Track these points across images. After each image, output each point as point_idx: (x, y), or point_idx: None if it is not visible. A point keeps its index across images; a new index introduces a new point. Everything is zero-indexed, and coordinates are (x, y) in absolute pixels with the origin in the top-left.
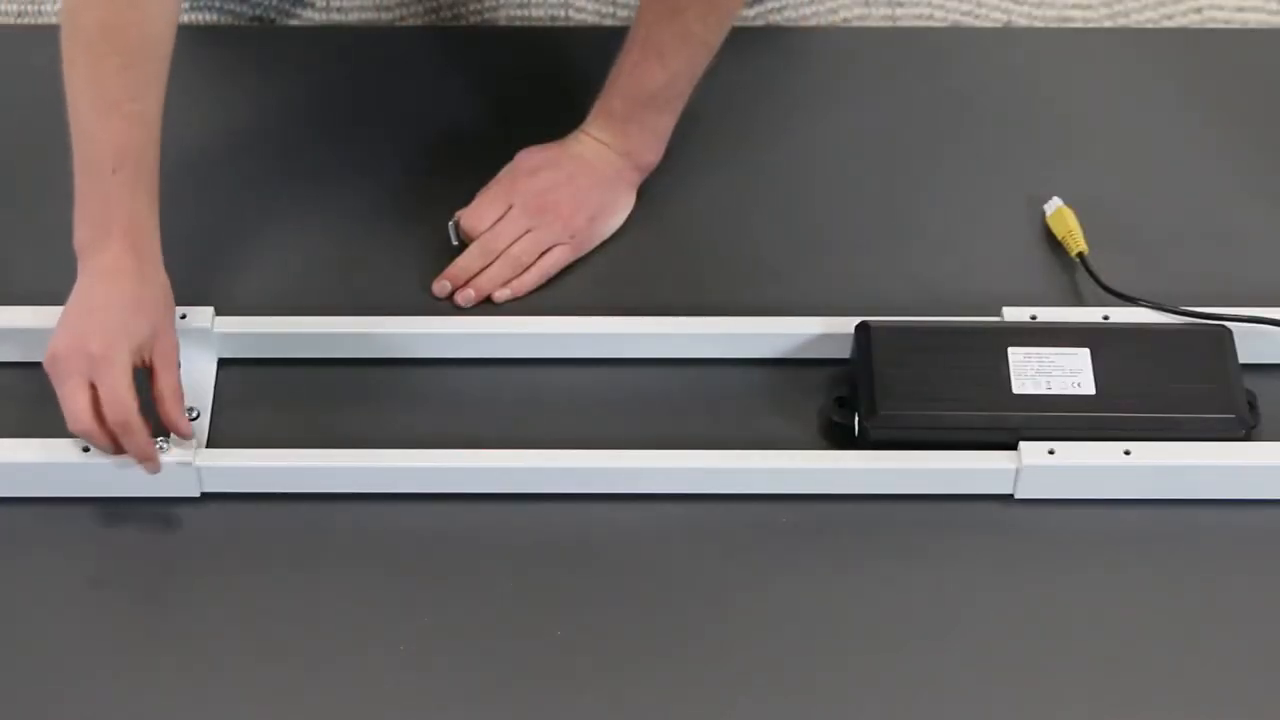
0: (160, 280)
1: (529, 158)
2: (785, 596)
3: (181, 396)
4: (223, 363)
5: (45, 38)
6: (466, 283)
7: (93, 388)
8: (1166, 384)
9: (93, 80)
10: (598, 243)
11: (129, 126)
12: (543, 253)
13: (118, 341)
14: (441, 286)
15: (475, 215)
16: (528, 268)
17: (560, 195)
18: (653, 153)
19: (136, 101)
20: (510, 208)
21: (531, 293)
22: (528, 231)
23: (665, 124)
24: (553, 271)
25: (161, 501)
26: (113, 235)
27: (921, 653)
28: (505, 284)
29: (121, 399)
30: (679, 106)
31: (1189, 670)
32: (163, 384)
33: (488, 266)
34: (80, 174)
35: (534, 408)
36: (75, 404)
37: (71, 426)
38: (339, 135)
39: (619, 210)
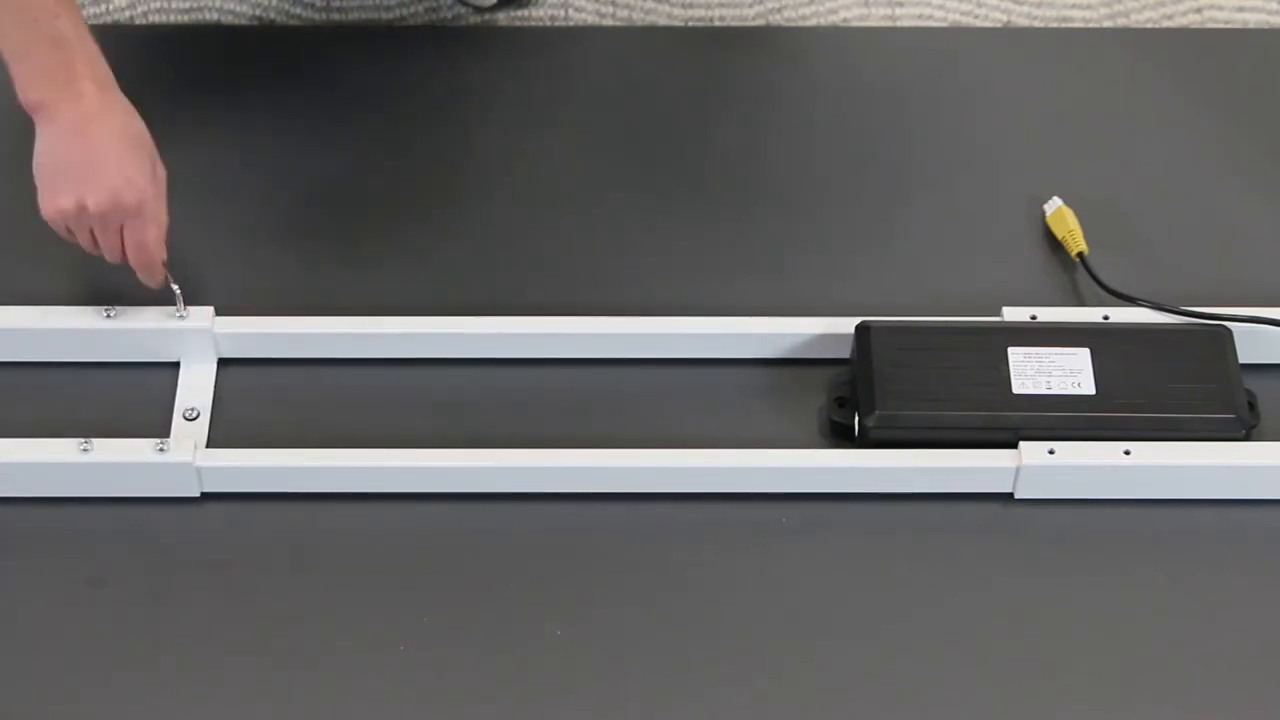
0: (132, 108)
1: None
2: (785, 596)
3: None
4: (223, 363)
5: None
6: None
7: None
8: (1166, 384)
9: None
10: None
11: None
12: None
13: (151, 178)
14: None
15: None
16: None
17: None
18: None
19: None
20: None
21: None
22: None
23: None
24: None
25: (161, 501)
26: (80, 79)
27: (921, 652)
28: None
29: (162, 237)
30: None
31: (1189, 670)
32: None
33: None
34: (15, 29)
35: (534, 408)
36: (114, 243)
37: (110, 258)
38: (338, 135)
39: None
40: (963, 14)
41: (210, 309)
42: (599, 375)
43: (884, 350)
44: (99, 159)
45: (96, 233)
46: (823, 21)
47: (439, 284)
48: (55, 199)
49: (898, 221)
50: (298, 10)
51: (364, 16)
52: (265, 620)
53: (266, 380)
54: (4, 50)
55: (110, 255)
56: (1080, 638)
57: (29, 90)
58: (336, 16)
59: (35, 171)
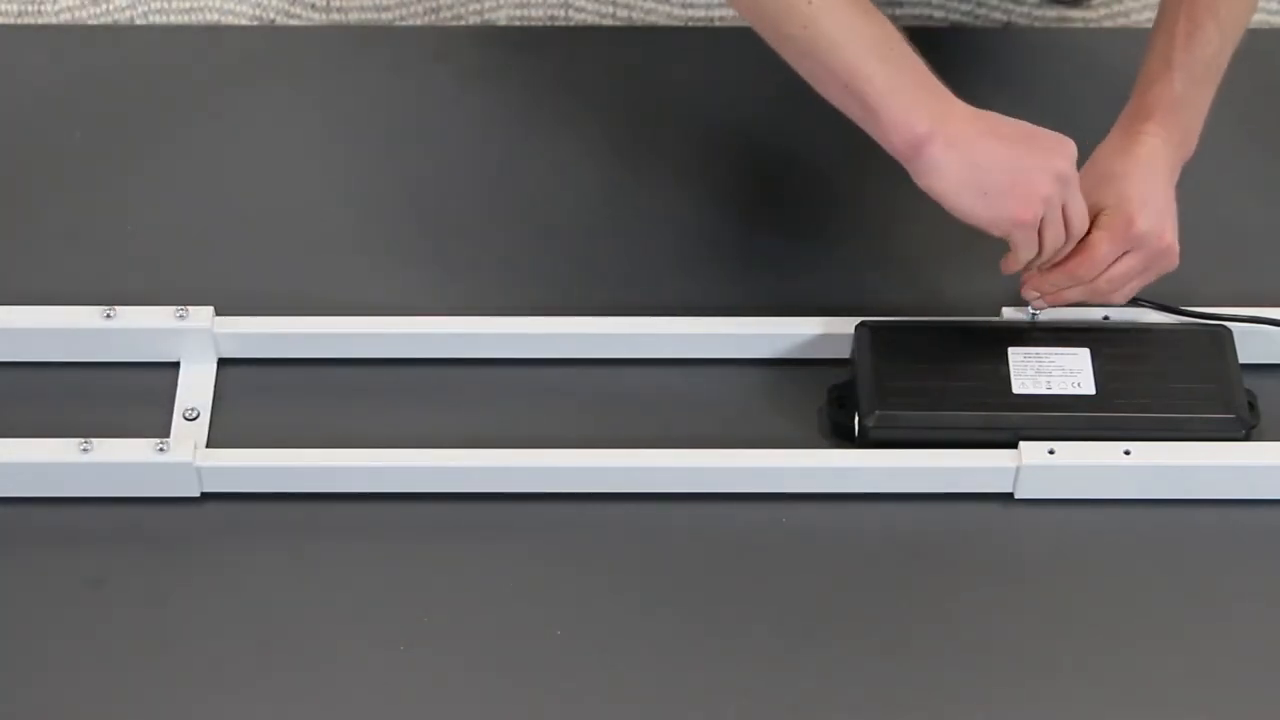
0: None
1: (1135, 197)
2: (784, 596)
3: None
4: (223, 363)
5: (45, 37)
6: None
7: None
8: (1166, 384)
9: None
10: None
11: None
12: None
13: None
14: (1027, 293)
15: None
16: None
17: (1170, 231)
18: (1194, 142)
19: None
20: (1126, 254)
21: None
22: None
23: (1208, 104)
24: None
25: (161, 501)
26: (945, 93)
27: (921, 653)
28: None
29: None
30: (1218, 83)
31: (1189, 670)
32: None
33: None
34: (880, 66)
35: (534, 408)
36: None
37: (1054, 245)
38: (338, 135)
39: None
40: (963, 14)
41: (210, 309)
42: (599, 375)
43: (884, 350)
44: (1021, 143)
45: (1066, 207)
46: None
47: (439, 284)
48: (1023, 204)
49: (897, 221)
50: (298, 10)
51: (364, 16)
52: (265, 620)
53: (266, 380)
54: (872, 94)
55: (1055, 239)
56: (1080, 638)
57: (915, 125)
58: (336, 16)
59: (963, 203)
